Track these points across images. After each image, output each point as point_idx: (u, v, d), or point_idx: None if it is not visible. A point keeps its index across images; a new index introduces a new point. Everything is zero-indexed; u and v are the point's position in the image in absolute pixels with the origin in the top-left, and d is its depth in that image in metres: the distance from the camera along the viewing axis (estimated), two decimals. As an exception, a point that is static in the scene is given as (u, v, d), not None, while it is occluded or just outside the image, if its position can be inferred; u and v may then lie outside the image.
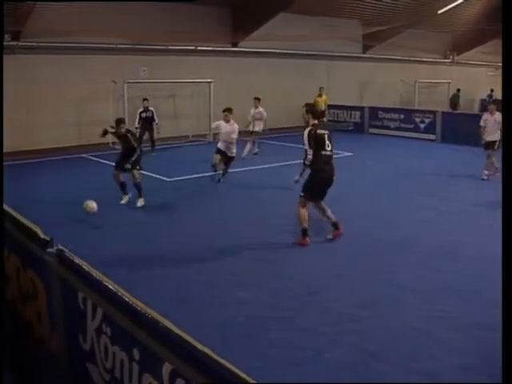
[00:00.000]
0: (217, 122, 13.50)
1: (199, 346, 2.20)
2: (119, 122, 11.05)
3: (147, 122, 17.32)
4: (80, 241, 7.98)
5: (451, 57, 30.34)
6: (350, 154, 17.06)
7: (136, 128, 17.33)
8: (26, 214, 3.91)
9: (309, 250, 8.28)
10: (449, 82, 28.73)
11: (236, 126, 12.83)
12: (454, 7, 23.82)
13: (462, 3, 23.69)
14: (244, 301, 6.45)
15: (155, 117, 17.35)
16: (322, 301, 6.51)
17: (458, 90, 28.51)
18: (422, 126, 21.48)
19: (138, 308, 2.56)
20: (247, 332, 5.70)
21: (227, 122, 12.74)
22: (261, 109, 16.58)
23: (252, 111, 16.68)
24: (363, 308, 6.26)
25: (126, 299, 2.65)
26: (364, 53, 25.95)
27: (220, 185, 12.76)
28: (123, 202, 10.96)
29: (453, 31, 28.27)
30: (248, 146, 16.35)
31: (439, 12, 23.78)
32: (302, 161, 8.40)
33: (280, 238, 8.82)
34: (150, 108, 17.41)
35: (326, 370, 4.97)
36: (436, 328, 5.77)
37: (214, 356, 2.14)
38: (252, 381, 2.06)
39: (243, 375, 2.06)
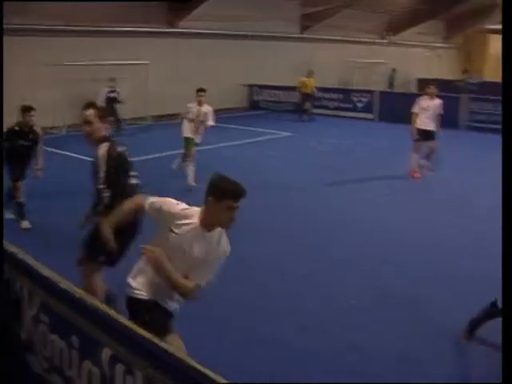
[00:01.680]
0: None
1: (139, 331, 2.20)
2: (29, 109, 8.00)
3: (114, 102, 17.00)
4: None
5: (388, 37, 30.82)
6: (289, 133, 17.23)
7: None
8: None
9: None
10: (386, 63, 29.20)
11: None
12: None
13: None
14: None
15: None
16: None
17: (393, 70, 29.19)
18: (359, 105, 21.87)
19: (76, 295, 2.53)
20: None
21: None
22: (209, 108, 10.58)
23: (194, 109, 10.52)
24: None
25: (63, 286, 2.61)
26: (302, 33, 26.02)
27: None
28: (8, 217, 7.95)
29: (389, 11, 28.73)
30: (190, 169, 10.54)
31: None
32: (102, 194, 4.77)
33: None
34: (117, 89, 17.22)
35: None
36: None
37: (154, 340, 2.14)
38: (195, 363, 2.07)
39: (187, 358, 2.07)
